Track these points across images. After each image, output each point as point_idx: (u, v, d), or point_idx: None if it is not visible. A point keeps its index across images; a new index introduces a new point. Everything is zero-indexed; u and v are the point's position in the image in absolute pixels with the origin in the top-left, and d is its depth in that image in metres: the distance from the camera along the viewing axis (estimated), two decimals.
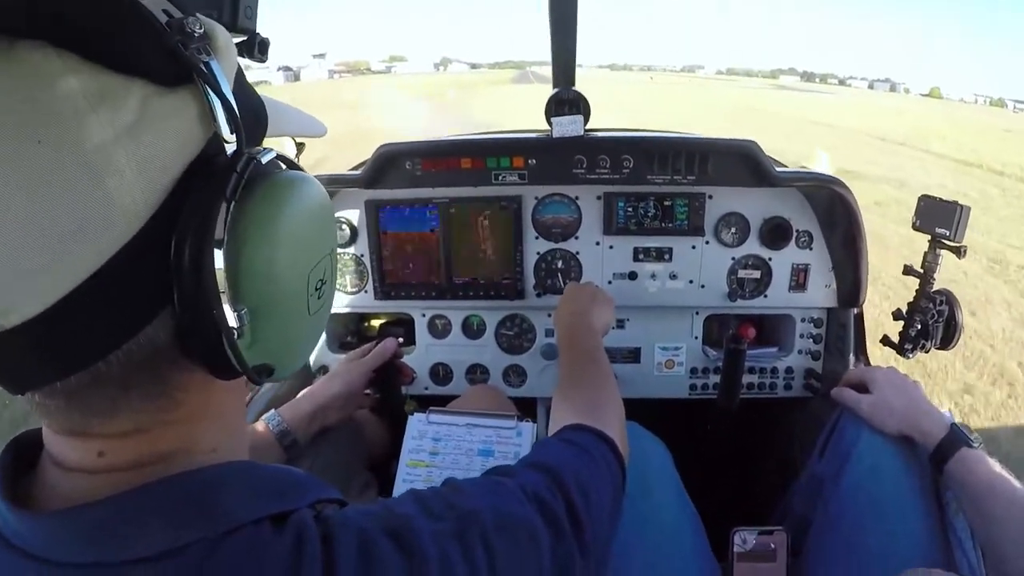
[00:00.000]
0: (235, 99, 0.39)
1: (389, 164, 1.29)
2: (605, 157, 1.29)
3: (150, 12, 0.35)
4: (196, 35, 0.37)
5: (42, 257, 0.33)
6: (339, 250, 1.40)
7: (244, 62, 0.53)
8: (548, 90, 1.30)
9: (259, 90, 0.52)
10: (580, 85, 1.27)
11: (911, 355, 1.12)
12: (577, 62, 1.29)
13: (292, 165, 0.47)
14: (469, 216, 1.36)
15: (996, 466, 0.88)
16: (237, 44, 0.48)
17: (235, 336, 0.39)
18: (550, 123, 1.27)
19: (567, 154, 1.30)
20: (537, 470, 0.59)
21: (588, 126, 1.28)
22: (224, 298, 0.38)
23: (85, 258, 0.34)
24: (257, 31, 0.56)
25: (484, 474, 0.61)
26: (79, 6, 0.33)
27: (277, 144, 0.57)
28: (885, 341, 1.17)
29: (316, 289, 0.45)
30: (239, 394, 0.49)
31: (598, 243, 1.39)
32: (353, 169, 1.38)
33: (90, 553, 0.38)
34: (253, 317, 0.40)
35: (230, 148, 0.39)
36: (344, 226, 1.39)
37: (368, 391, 1.21)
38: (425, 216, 1.36)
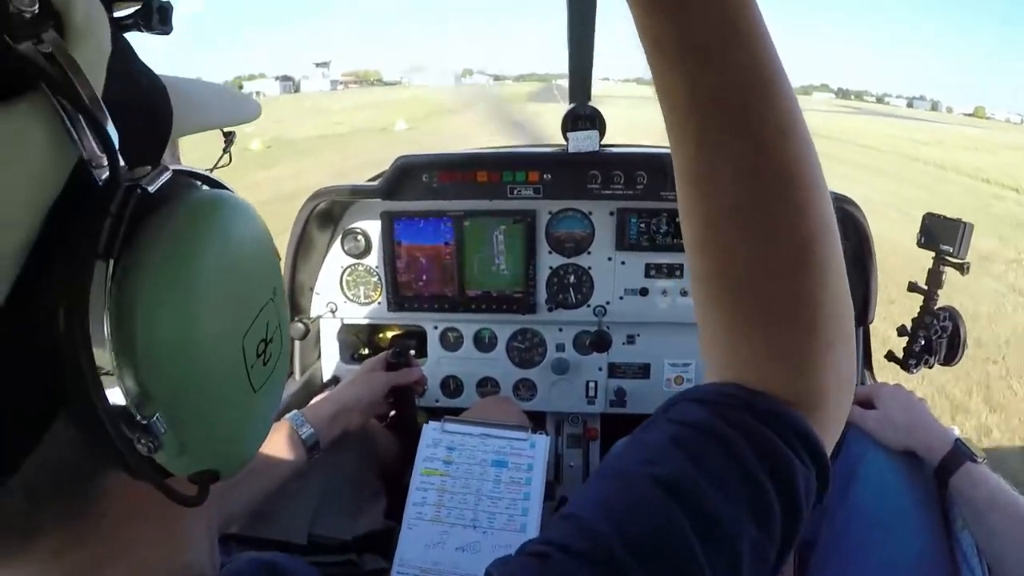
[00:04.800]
0: (115, 98, 0.30)
1: (406, 175, 1.39)
2: (619, 173, 1.39)
3: None
4: (27, 15, 0.25)
5: None
6: (353, 261, 1.52)
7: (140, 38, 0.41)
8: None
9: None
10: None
11: (915, 370, 1.20)
12: (604, 75, 1.39)
13: (207, 181, 0.37)
14: (483, 229, 1.47)
15: (1001, 482, 0.93)
16: (129, 15, 0.41)
17: (149, 451, 0.30)
18: (566, 138, 1.36)
19: (582, 169, 1.39)
20: (566, 523, 0.37)
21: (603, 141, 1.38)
22: (124, 395, 0.29)
23: None
24: None
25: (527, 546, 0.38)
26: None
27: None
28: (890, 357, 1.26)
29: (259, 355, 0.35)
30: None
31: (610, 258, 1.49)
32: (371, 180, 1.49)
33: None
34: (172, 419, 0.30)
35: (104, 175, 0.28)
36: (359, 237, 1.50)
37: (390, 399, 1.29)
38: (440, 228, 1.47)
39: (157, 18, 0.43)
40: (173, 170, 0.32)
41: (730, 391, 0.41)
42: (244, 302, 0.34)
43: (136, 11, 0.42)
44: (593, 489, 0.40)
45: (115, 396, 0.29)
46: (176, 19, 0.45)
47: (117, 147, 0.28)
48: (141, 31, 0.43)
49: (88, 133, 0.27)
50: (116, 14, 0.41)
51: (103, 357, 0.28)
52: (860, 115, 47.33)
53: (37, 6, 0.26)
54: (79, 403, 0.28)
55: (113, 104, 0.29)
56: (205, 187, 0.37)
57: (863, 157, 15.17)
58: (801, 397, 0.40)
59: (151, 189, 0.30)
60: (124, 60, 0.33)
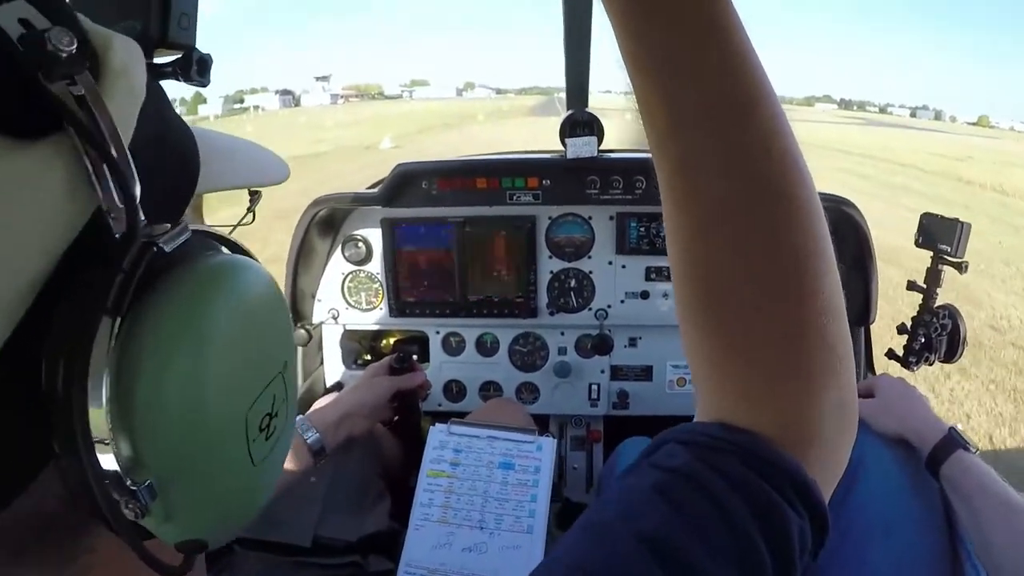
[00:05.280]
0: (143, 147, 0.29)
1: (406, 183, 1.42)
2: (618, 178, 1.41)
3: None
4: (64, 55, 0.24)
5: None
6: (354, 268, 1.54)
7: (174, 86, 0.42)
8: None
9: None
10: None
11: (915, 368, 1.22)
12: (604, 88, 1.41)
13: (227, 244, 0.36)
14: (484, 235, 1.49)
15: (992, 472, 0.93)
16: (168, 63, 0.41)
17: (135, 516, 0.28)
18: (564, 144, 1.39)
19: (581, 175, 1.42)
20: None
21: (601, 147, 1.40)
22: (116, 460, 0.27)
23: None
24: (196, 46, 0.45)
25: None
26: None
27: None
28: (891, 355, 1.28)
29: (262, 429, 0.33)
30: None
31: (611, 262, 1.51)
32: (371, 187, 1.51)
33: None
34: (163, 487, 0.28)
35: (121, 229, 0.27)
36: (360, 244, 1.52)
37: (394, 403, 1.31)
38: (440, 234, 1.49)
39: (196, 69, 0.44)
40: (192, 230, 0.31)
41: (715, 432, 0.37)
42: (253, 375, 0.33)
43: (175, 60, 0.43)
44: (570, 543, 0.36)
45: (107, 458, 0.27)
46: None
47: (138, 200, 0.27)
48: (179, 80, 0.44)
49: (110, 182, 0.26)
50: (156, 60, 0.42)
51: (99, 417, 0.26)
52: (872, 127, 45.77)
53: (75, 46, 0.25)
54: (68, 460, 0.26)
55: (140, 151, 0.28)
56: (225, 249, 0.36)
57: (917, 183, 13.76)
58: (793, 436, 0.36)
59: (168, 248, 0.29)
60: (157, 107, 0.33)
